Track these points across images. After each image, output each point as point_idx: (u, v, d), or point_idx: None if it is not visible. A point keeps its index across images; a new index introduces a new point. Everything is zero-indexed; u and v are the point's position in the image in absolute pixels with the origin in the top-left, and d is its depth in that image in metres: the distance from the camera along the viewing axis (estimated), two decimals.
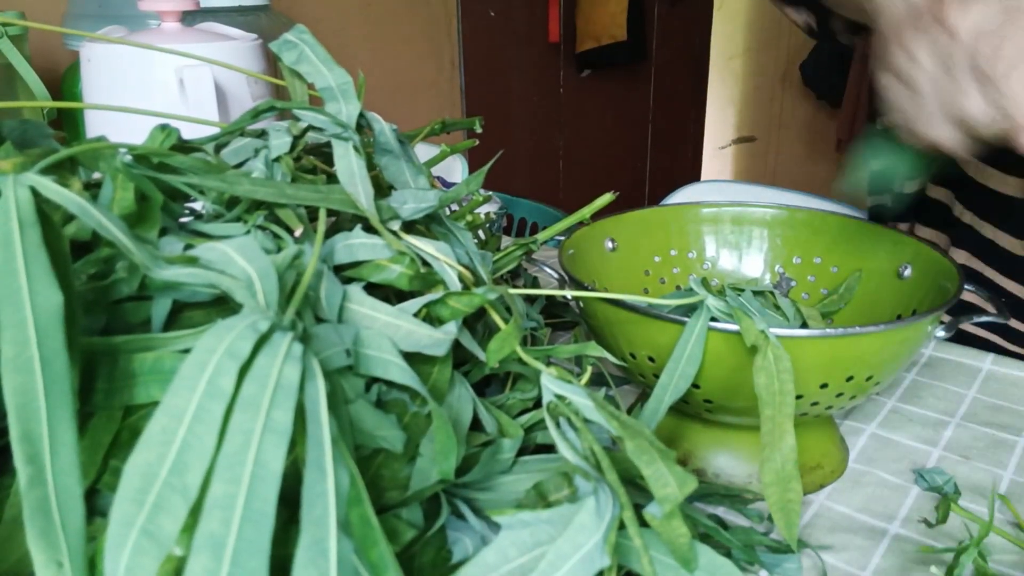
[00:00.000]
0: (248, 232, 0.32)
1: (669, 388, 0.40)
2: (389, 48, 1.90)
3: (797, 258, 0.58)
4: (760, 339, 0.38)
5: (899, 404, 0.55)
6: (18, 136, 0.33)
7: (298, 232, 0.33)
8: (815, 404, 0.42)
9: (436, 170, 1.28)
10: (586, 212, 0.52)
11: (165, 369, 0.26)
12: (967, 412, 0.55)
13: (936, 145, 0.43)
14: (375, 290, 0.34)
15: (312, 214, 0.35)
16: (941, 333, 0.45)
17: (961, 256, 0.71)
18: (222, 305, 0.30)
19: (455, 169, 1.35)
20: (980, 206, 0.70)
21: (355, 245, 0.34)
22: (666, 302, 0.41)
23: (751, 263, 0.60)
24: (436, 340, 0.32)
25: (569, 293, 0.47)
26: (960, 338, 0.69)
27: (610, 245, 0.56)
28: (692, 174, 2.94)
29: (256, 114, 0.37)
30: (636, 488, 0.30)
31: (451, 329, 0.33)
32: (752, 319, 0.38)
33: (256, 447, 0.21)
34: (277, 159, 0.37)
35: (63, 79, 0.95)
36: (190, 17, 0.76)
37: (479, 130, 0.53)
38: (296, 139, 0.38)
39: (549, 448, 0.34)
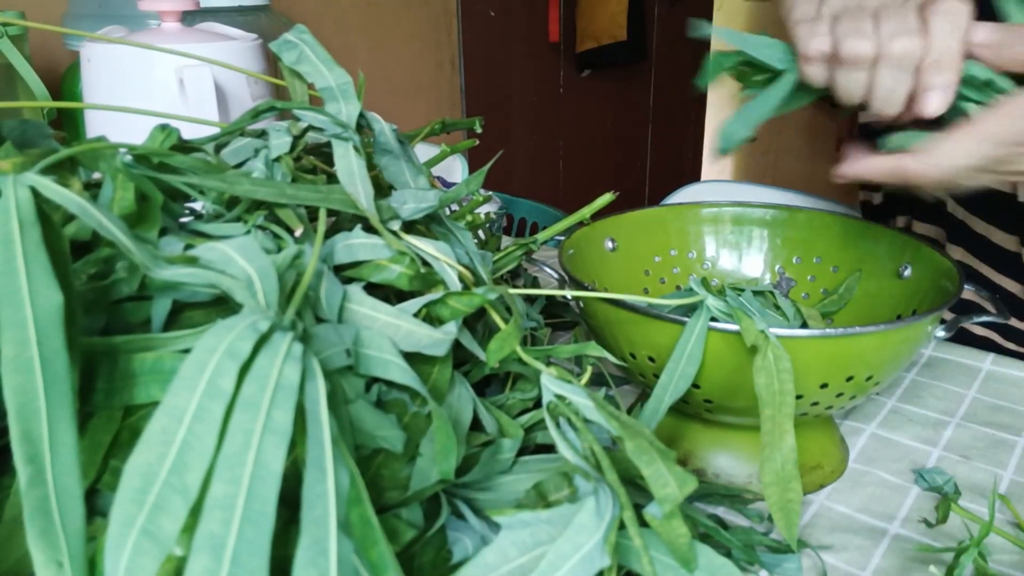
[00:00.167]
0: (248, 232, 0.32)
1: (669, 388, 0.40)
2: (389, 48, 1.90)
3: (797, 258, 0.58)
4: (760, 339, 0.38)
5: (899, 404, 0.55)
6: (18, 136, 0.33)
7: (298, 232, 0.33)
8: (815, 404, 0.42)
9: (436, 170, 1.28)
10: (586, 212, 0.52)
11: (165, 369, 0.26)
12: (967, 412, 0.55)
13: None
14: (375, 290, 0.34)
15: (312, 214, 0.35)
16: (941, 333, 0.45)
17: (957, 252, 0.71)
18: (222, 305, 0.30)
19: (455, 169, 1.35)
20: (972, 202, 0.70)
21: (355, 245, 0.34)
22: (666, 302, 0.41)
23: (751, 263, 0.60)
24: (436, 340, 0.32)
25: (569, 293, 0.47)
26: (959, 336, 0.69)
27: (610, 245, 0.56)
28: (692, 174, 2.93)
29: (256, 114, 0.37)
30: (636, 488, 0.30)
31: (451, 329, 0.33)
32: (752, 319, 0.38)
33: (256, 447, 0.21)
34: (277, 159, 0.37)
35: (63, 79, 0.95)
36: (190, 17, 0.76)
37: (479, 130, 0.53)
38: (296, 139, 0.38)
39: (549, 448, 0.34)
